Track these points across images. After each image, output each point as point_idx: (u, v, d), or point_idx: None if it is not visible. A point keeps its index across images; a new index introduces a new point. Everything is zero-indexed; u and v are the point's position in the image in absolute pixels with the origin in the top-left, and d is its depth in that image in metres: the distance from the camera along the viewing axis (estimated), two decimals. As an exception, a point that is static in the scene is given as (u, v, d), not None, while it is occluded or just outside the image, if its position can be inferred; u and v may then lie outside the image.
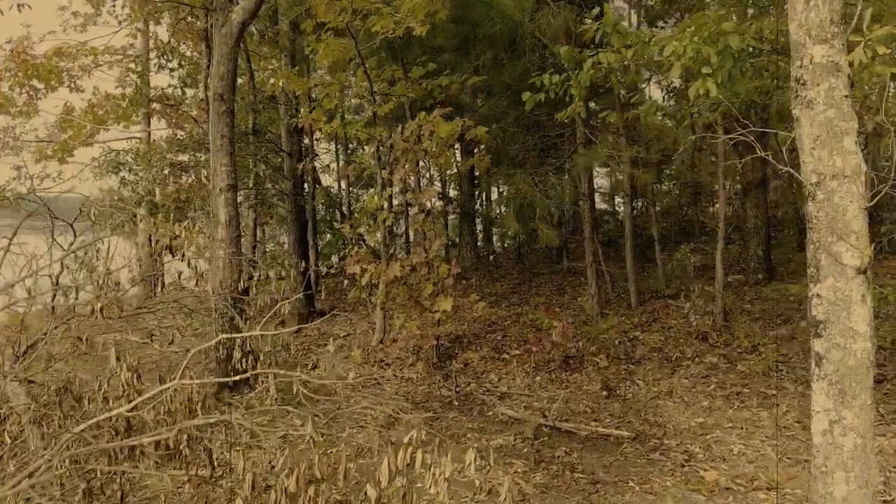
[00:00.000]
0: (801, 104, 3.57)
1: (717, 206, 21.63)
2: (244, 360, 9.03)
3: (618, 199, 21.02)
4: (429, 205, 9.74)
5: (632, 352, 9.02)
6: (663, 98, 13.13)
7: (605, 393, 7.76)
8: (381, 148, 10.22)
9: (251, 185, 15.98)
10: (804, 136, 3.57)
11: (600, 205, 20.92)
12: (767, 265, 12.13)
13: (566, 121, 10.63)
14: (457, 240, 22.22)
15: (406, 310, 9.69)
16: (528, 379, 8.54)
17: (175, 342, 9.85)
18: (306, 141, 18.29)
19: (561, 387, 8.17)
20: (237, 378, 7.95)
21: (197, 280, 9.16)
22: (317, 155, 16.70)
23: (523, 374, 8.70)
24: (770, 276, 12.07)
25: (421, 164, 12.00)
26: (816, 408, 3.51)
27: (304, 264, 14.15)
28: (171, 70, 13.10)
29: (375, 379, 9.27)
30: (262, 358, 8.84)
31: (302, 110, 10.05)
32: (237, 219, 9.92)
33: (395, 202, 18.50)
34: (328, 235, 24.77)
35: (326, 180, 24.34)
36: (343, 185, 24.42)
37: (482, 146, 10.84)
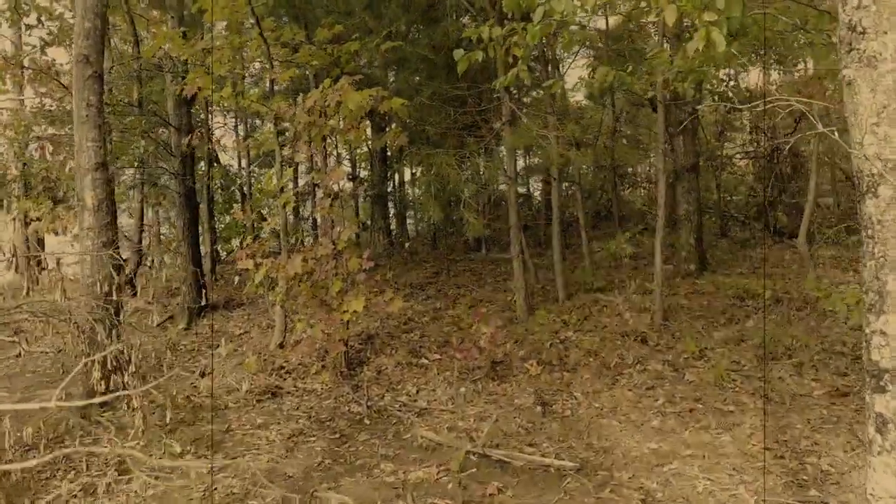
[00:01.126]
0: (858, 61, 2.54)
1: (653, 190, 21.15)
2: (113, 374, 7.60)
3: (533, 182, 20.17)
4: (337, 188, 8.45)
5: (565, 356, 8.04)
6: (589, 74, 12.19)
7: (539, 409, 6.73)
8: (280, 122, 8.85)
9: (136, 164, 14.27)
10: (862, 107, 2.53)
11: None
12: (700, 255, 11.42)
13: (496, 93, 9.54)
14: (368, 223, 20.95)
15: (310, 310, 8.42)
16: (450, 390, 7.43)
17: (22, 355, 8.29)
18: (201, 116, 16.59)
19: (489, 400, 7.10)
20: (100, 400, 6.61)
21: (59, 284, 7.68)
22: (209, 130, 15.04)
23: (445, 385, 7.59)
24: (702, 267, 11.37)
25: (328, 141, 10.66)
26: (878, 491, 2.51)
27: (194, 252, 12.65)
28: (28, 27, 11.23)
29: (272, 391, 7.98)
30: (132, 370, 7.45)
31: (188, 76, 8.55)
32: (109, 203, 8.39)
33: (300, 182, 17.11)
34: (228, 218, 23.05)
35: (227, 159, 22.65)
36: (244, 163, 22.78)
37: (395, 123, 9.62)
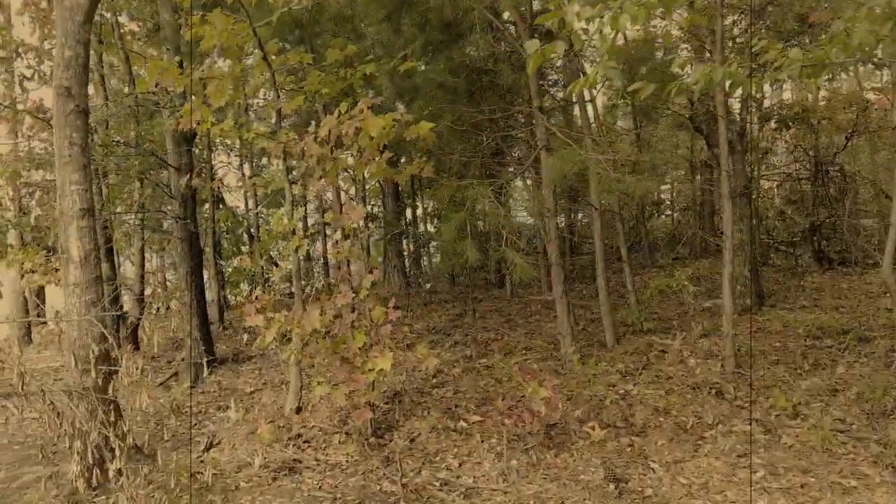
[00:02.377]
0: None
1: (679, 217, 20.08)
2: (102, 461, 6.51)
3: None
4: (356, 227, 7.39)
5: (630, 416, 6.89)
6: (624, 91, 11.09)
7: (612, 486, 5.58)
8: (288, 156, 7.83)
9: (134, 208, 13.27)
10: None
11: (527, 219, 18.91)
12: (756, 288, 10.29)
13: (522, 117, 8.50)
14: (381, 260, 19.90)
15: (329, 368, 7.31)
16: (499, 463, 6.28)
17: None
18: (204, 155, 15.65)
19: (548, 476, 5.94)
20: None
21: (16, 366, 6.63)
22: (211, 169, 14.07)
23: (492, 456, 6.44)
24: (760, 302, 10.23)
25: (341, 176, 9.63)
26: None
27: (199, 301, 11.58)
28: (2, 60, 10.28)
29: (290, 466, 6.85)
30: (125, 449, 6.38)
31: (184, 107, 7.58)
32: (97, 254, 7.36)
33: (310, 222, 16.11)
34: (236, 261, 22.02)
35: (232, 199, 21.74)
36: (251, 204, 21.92)
37: (420, 152, 8.59)
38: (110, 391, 6.97)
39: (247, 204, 21.64)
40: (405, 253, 18.31)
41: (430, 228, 22.65)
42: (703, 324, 9.20)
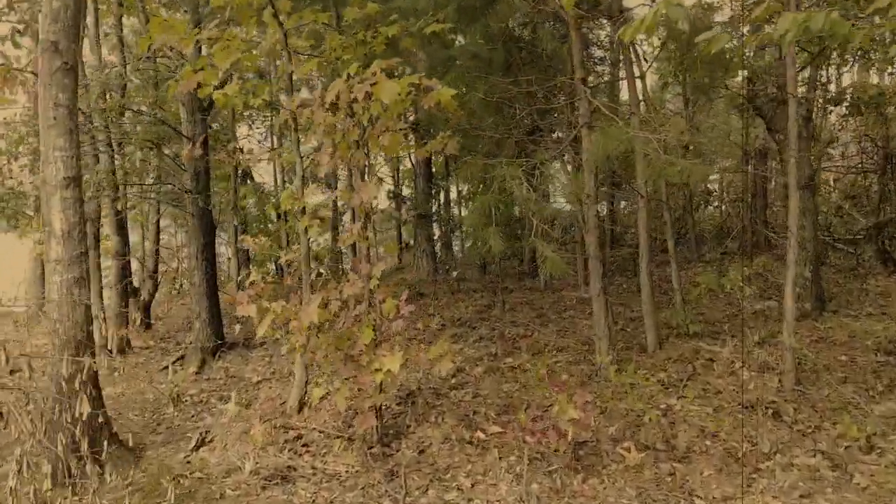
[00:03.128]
0: None
1: (728, 209, 18.87)
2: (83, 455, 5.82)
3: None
4: (369, 207, 6.54)
5: (672, 436, 5.97)
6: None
7: (650, 526, 4.70)
8: (296, 124, 7.01)
9: (149, 181, 12.61)
10: None
11: (565, 206, 17.78)
12: (817, 291, 9.23)
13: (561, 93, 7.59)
14: (411, 243, 19.06)
15: (333, 365, 6.51)
16: (518, 486, 5.43)
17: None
18: (226, 125, 14.94)
19: (574, 507, 5.09)
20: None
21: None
22: (234, 139, 13.33)
23: (511, 477, 5.59)
24: (821, 307, 9.18)
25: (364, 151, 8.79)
26: None
27: (209, 282, 10.88)
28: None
29: (282, 474, 6.08)
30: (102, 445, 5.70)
31: (184, 67, 6.81)
32: (82, 228, 6.65)
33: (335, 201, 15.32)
34: (263, 239, 21.37)
35: (260, 175, 21.11)
36: (280, 179, 21.28)
37: (446, 127, 7.71)
38: (85, 376, 6.26)
39: (275, 179, 20.99)
40: (435, 237, 17.47)
41: (463, 212, 21.79)
42: (759, 330, 8.20)
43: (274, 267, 21.58)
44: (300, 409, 7.57)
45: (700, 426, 6.06)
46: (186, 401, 8.88)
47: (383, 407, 6.77)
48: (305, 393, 7.65)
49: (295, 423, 7.22)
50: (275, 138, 18.67)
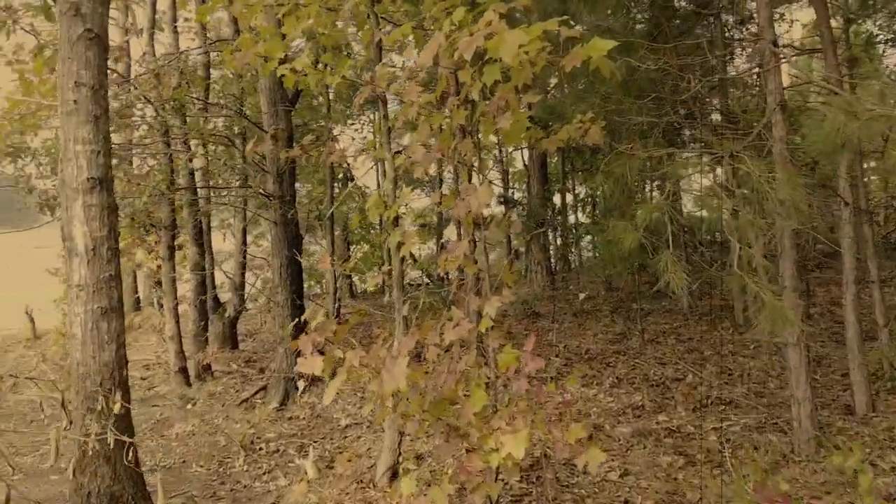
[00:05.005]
0: None
1: None
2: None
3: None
4: (480, 218, 4.65)
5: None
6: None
7: None
8: (386, 105, 5.28)
9: (236, 184, 11.25)
10: None
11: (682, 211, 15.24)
12: None
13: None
14: (521, 251, 17.16)
15: (431, 434, 4.73)
16: None
17: None
18: (322, 115, 13.47)
19: None
20: None
21: None
22: (329, 133, 11.80)
23: None
24: None
25: (470, 137, 6.92)
26: None
27: (293, 302, 9.34)
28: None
29: None
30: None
31: (240, 39, 5.23)
32: (112, 245, 5.14)
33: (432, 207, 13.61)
34: (367, 246, 19.96)
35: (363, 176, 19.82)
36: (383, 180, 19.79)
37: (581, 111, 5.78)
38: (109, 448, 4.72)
39: (378, 182, 19.56)
40: (551, 247, 15.53)
41: (581, 218, 19.69)
42: None
43: (377, 272, 20.15)
44: (392, 479, 5.83)
45: None
46: (261, 449, 7.32)
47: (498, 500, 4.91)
48: (399, 458, 5.89)
49: (383, 499, 5.47)
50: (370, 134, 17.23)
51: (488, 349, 4.54)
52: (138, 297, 16.05)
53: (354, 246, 20.12)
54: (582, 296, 11.84)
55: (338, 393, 8.64)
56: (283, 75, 5.15)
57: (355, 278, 20.09)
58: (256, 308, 15.14)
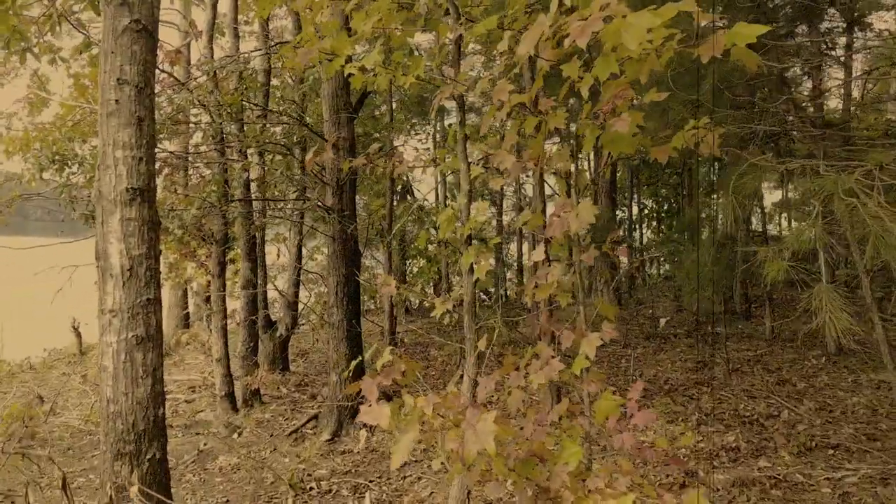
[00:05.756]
0: None
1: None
2: None
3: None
4: (577, 241, 3.94)
5: None
6: None
7: None
8: (464, 109, 4.62)
9: (292, 196, 10.72)
10: None
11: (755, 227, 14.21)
12: None
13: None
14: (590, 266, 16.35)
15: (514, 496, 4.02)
16: None
17: None
18: (383, 124, 12.91)
19: None
20: None
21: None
22: (391, 144, 11.20)
23: None
24: None
25: (565, 147, 6.22)
26: None
27: (349, 323, 8.73)
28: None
29: None
30: None
31: (299, 35, 4.60)
32: (151, 265, 4.57)
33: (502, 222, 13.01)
34: (423, 261, 19.36)
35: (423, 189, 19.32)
36: (441, 194, 19.39)
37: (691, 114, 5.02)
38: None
39: (437, 195, 19.00)
40: (619, 266, 14.70)
41: (648, 233, 18.82)
42: None
43: (431, 286, 19.56)
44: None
45: None
46: (311, 488, 6.69)
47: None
48: (467, 507, 5.19)
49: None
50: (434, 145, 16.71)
51: (583, 395, 3.83)
52: (188, 314, 15.67)
53: (410, 260, 19.56)
54: (663, 321, 10.98)
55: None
56: (349, 75, 4.52)
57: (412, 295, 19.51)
58: (309, 324, 14.63)
